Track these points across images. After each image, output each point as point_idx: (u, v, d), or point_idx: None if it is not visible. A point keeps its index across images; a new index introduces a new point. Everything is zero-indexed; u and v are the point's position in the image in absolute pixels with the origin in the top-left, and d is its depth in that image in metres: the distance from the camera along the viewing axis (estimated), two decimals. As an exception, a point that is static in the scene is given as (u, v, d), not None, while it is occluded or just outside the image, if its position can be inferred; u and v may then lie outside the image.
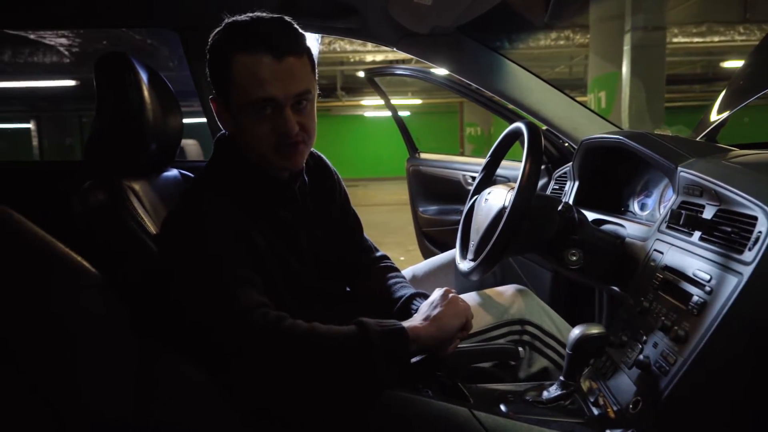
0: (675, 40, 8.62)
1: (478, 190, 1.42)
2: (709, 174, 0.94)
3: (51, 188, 1.37)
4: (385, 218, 8.08)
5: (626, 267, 1.10)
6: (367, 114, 16.68)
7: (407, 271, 1.66)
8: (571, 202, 1.46)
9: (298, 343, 0.87)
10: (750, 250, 0.77)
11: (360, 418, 0.91)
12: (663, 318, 0.89)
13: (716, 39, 8.66)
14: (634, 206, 1.36)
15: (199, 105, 1.71)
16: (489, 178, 1.45)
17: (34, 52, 8.40)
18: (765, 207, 0.78)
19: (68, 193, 1.04)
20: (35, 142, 13.80)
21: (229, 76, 0.97)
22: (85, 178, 1.06)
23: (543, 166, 1.92)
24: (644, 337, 0.91)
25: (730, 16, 8.49)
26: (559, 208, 1.14)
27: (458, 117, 16.34)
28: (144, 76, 1.10)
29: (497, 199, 1.23)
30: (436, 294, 1.04)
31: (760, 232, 0.77)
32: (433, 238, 2.57)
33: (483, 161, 1.46)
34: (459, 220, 1.45)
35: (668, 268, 0.95)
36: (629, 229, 1.17)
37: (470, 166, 2.43)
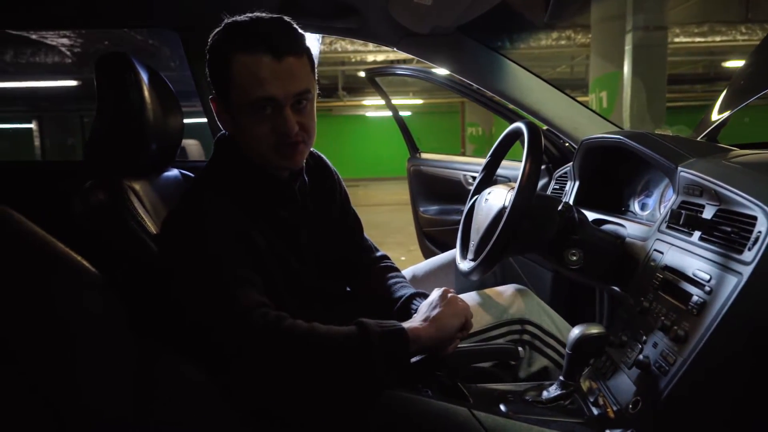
0: (677, 39, 8.61)
1: (479, 190, 1.42)
2: (709, 174, 0.94)
3: (51, 188, 1.37)
4: (386, 218, 8.08)
5: (626, 267, 1.10)
6: (369, 114, 16.68)
7: (407, 271, 1.66)
8: (571, 202, 1.46)
9: (298, 343, 0.87)
10: (750, 250, 0.77)
11: (360, 417, 0.91)
12: (663, 318, 0.89)
13: (718, 39, 8.65)
14: (635, 206, 1.36)
15: (200, 105, 1.71)
16: (489, 178, 1.45)
17: (36, 52, 8.42)
18: (765, 207, 0.78)
19: (69, 193, 1.04)
20: (37, 142, 13.82)
21: (228, 76, 0.97)
22: (86, 177, 1.06)
23: (543, 166, 1.92)
24: (644, 337, 0.91)
25: (731, 15, 8.48)
26: (559, 207, 1.14)
27: (459, 117, 16.34)
28: (144, 76, 1.11)
29: (497, 199, 1.23)
30: (435, 294, 1.04)
31: (759, 232, 0.77)
32: (433, 238, 2.57)
33: (483, 161, 1.46)
34: (459, 220, 1.45)
35: (668, 268, 0.95)
36: (629, 229, 1.16)
37: (471, 166, 2.43)
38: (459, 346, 1.03)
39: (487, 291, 1.34)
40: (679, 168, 1.03)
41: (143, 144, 1.09)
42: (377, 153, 16.82)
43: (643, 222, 1.19)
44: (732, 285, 0.77)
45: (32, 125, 13.90)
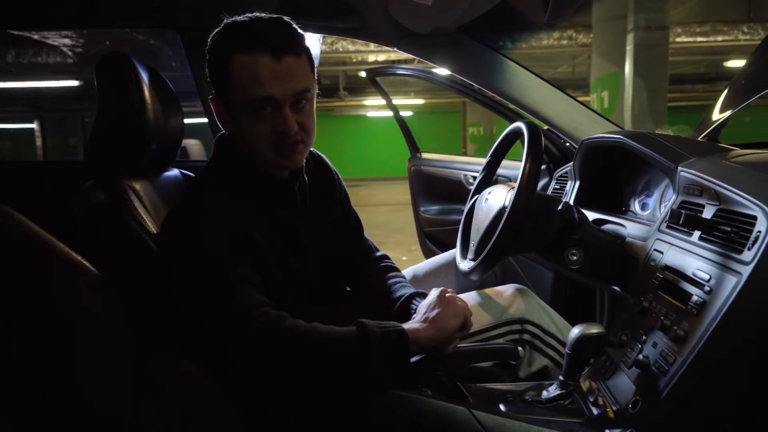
0: (678, 39, 8.61)
1: (479, 189, 1.42)
2: (709, 173, 0.94)
3: (52, 187, 1.37)
4: (388, 218, 8.08)
5: (626, 267, 1.10)
6: (370, 114, 16.69)
7: (408, 271, 1.66)
8: (572, 201, 1.46)
9: (298, 342, 0.87)
10: (749, 249, 0.77)
11: (359, 417, 0.91)
12: (662, 318, 0.89)
13: (720, 38, 8.65)
14: (635, 206, 1.36)
15: (201, 105, 1.71)
16: (489, 178, 1.45)
17: (37, 52, 8.44)
18: (764, 206, 0.78)
19: (69, 193, 1.04)
20: (39, 142, 13.85)
21: (228, 76, 0.97)
22: (86, 177, 1.07)
23: (544, 166, 1.92)
24: (644, 337, 0.91)
25: (733, 15, 8.47)
26: (560, 207, 1.14)
27: (461, 117, 16.33)
28: (145, 77, 1.11)
29: (497, 198, 1.23)
30: (433, 295, 1.04)
31: (759, 231, 0.77)
32: (434, 238, 2.57)
33: (484, 161, 1.46)
34: (460, 220, 1.45)
35: (668, 268, 0.95)
36: (630, 228, 1.16)
37: (471, 165, 2.43)
38: (459, 345, 1.03)
39: (487, 291, 1.34)
40: (679, 168, 1.03)
41: (144, 144, 1.09)
42: (378, 153, 16.83)
43: (644, 222, 1.19)
44: (731, 285, 0.77)
45: (34, 125, 13.93)
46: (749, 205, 0.81)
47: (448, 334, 0.98)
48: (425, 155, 2.67)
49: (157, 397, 0.88)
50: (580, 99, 1.79)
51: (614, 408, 0.90)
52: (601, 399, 0.94)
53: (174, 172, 1.32)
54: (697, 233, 0.91)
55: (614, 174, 1.43)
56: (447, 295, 1.02)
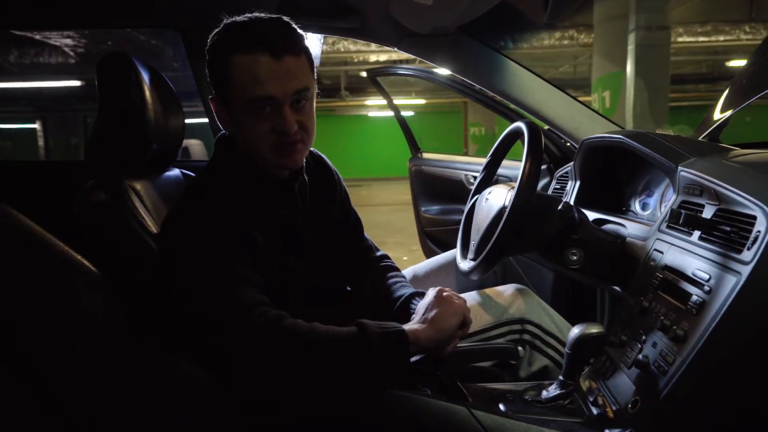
0: (680, 39, 8.60)
1: (479, 189, 1.42)
2: (709, 173, 0.93)
3: (53, 187, 1.38)
4: (389, 218, 8.09)
5: (627, 267, 1.10)
6: (371, 114, 16.70)
7: (408, 271, 1.66)
8: (572, 201, 1.46)
9: (298, 342, 0.87)
10: (749, 249, 0.77)
11: (359, 417, 0.91)
12: (662, 318, 0.89)
13: (721, 38, 8.63)
14: (636, 206, 1.36)
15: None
16: (490, 178, 1.45)
17: (39, 52, 8.46)
18: (764, 206, 0.78)
19: (70, 192, 1.04)
20: (41, 142, 13.88)
21: (227, 76, 0.97)
22: (87, 177, 1.07)
23: (544, 166, 1.92)
24: (643, 337, 0.91)
25: (735, 15, 8.46)
26: (560, 207, 1.14)
27: (462, 117, 16.33)
28: (146, 77, 1.11)
29: (497, 198, 1.23)
30: (430, 295, 1.03)
31: (758, 231, 0.77)
32: (435, 238, 2.57)
33: (484, 161, 1.46)
34: (461, 220, 1.45)
35: (668, 268, 0.95)
36: (630, 228, 1.16)
37: (472, 165, 2.43)
38: (459, 345, 1.03)
39: (488, 291, 1.34)
40: (679, 167, 1.03)
41: (144, 144, 1.09)
42: (380, 153, 16.83)
43: (644, 222, 1.19)
44: (731, 285, 0.77)
45: (36, 125, 13.96)
46: (749, 205, 0.81)
47: (447, 333, 0.97)
48: (426, 155, 2.67)
49: (157, 397, 0.88)
50: (581, 99, 1.79)
51: (614, 408, 0.90)
52: (601, 399, 0.94)
53: (175, 172, 1.32)
54: (697, 233, 0.91)
55: (615, 174, 1.43)
56: (444, 294, 1.02)
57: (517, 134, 1.27)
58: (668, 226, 1.01)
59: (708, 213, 0.91)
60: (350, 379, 0.89)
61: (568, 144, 1.83)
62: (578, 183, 1.48)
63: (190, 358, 0.92)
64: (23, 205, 0.81)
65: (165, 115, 1.15)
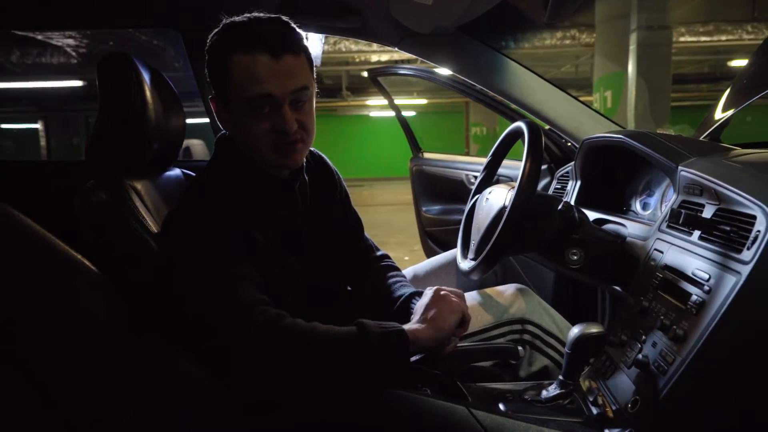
0: (682, 39, 8.58)
1: (480, 189, 1.42)
2: (709, 173, 0.93)
3: (53, 187, 1.38)
4: (390, 218, 8.09)
5: (627, 266, 1.10)
6: (373, 114, 16.70)
7: (408, 271, 1.66)
8: (573, 201, 1.46)
9: (297, 342, 0.87)
10: (748, 249, 0.77)
11: (358, 416, 0.91)
12: (662, 317, 0.89)
13: (724, 38, 8.62)
14: (636, 206, 1.36)
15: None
16: (490, 178, 1.45)
17: (41, 53, 8.48)
18: (763, 206, 0.78)
19: (71, 192, 1.05)
20: (43, 142, 13.91)
21: (227, 76, 0.97)
22: (88, 177, 1.07)
23: (545, 166, 1.92)
24: (643, 337, 0.91)
25: (737, 14, 8.45)
26: (560, 207, 1.14)
27: (464, 117, 16.33)
28: (146, 76, 1.11)
29: (498, 198, 1.23)
30: (428, 294, 1.03)
31: (758, 231, 0.77)
32: (436, 238, 2.57)
33: (485, 161, 1.46)
34: (461, 220, 1.45)
35: (668, 268, 0.95)
36: (630, 228, 1.16)
37: (473, 165, 2.43)
38: (459, 345, 1.03)
39: (488, 290, 1.34)
40: (680, 167, 1.02)
41: (145, 143, 1.10)
42: (381, 153, 16.84)
43: (644, 221, 1.19)
44: (731, 284, 0.77)
45: (38, 125, 13.99)
46: (749, 205, 0.81)
47: (447, 332, 0.97)
48: (427, 155, 2.67)
49: (158, 397, 0.88)
50: (583, 99, 1.79)
51: (613, 407, 0.90)
52: (601, 398, 0.94)
53: (175, 171, 1.32)
54: (696, 233, 0.91)
55: (615, 174, 1.43)
56: (442, 293, 1.02)
57: (517, 134, 1.27)
58: (668, 226, 1.01)
59: (708, 213, 0.91)
60: (350, 379, 0.89)
61: (569, 144, 1.82)
62: (579, 183, 1.48)
63: (191, 358, 0.92)
64: (24, 205, 0.81)
65: (166, 115, 1.15)
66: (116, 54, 1.09)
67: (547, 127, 1.77)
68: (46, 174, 1.88)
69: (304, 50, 1.01)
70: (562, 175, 1.69)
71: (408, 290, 1.16)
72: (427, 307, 1.00)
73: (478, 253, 1.25)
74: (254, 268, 0.96)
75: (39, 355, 0.74)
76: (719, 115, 1.43)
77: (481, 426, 0.87)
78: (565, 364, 0.97)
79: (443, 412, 0.89)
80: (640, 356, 0.87)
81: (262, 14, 0.99)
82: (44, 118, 13.92)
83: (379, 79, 2.64)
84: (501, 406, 0.96)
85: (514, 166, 1.95)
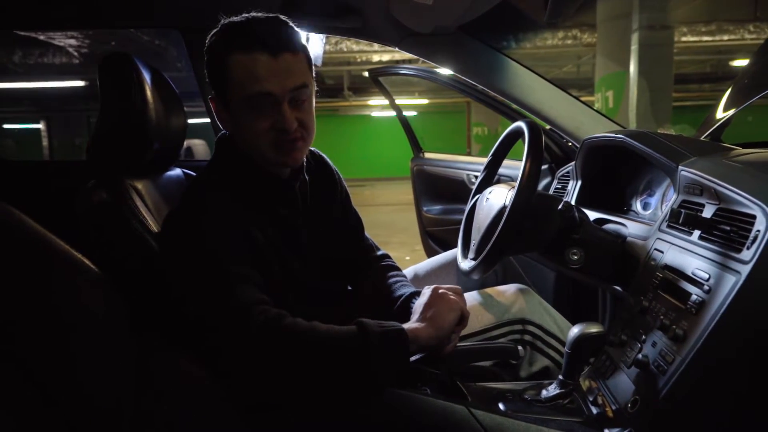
0: (684, 38, 8.57)
1: (480, 189, 1.42)
2: (709, 173, 0.93)
3: (54, 186, 1.38)
4: (392, 218, 8.09)
5: (627, 266, 1.10)
6: (374, 114, 16.70)
7: (409, 270, 1.66)
8: (573, 201, 1.46)
9: (298, 341, 0.87)
10: (748, 249, 0.77)
11: (358, 416, 0.91)
12: (662, 317, 0.89)
13: (726, 38, 8.60)
14: (637, 205, 1.35)
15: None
16: (491, 178, 1.45)
17: (44, 53, 8.49)
18: (763, 206, 0.78)
19: (71, 192, 1.05)
20: (45, 142, 13.93)
21: (226, 76, 0.97)
22: (89, 176, 1.07)
23: (546, 166, 1.92)
24: (643, 337, 0.91)
25: (739, 14, 8.43)
26: (560, 207, 1.14)
27: (465, 117, 16.32)
28: (147, 77, 1.11)
29: (498, 198, 1.23)
30: (426, 293, 1.03)
31: (758, 230, 0.77)
32: (437, 238, 2.57)
33: (486, 160, 1.46)
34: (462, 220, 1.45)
35: (668, 267, 0.95)
36: (631, 228, 1.16)
37: (474, 165, 2.43)
38: (459, 345, 1.03)
39: (489, 290, 1.34)
40: (680, 167, 1.02)
41: (146, 143, 1.10)
42: (383, 153, 16.83)
43: (645, 221, 1.19)
44: (730, 284, 0.77)
45: (40, 125, 14.01)
46: (748, 204, 0.81)
47: (446, 330, 0.97)
48: (428, 155, 2.67)
49: (158, 397, 0.88)
50: (584, 99, 1.79)
51: (613, 407, 0.90)
52: (601, 398, 0.94)
53: (176, 171, 1.33)
54: (696, 232, 0.91)
55: (616, 173, 1.43)
56: (440, 291, 1.02)
57: (517, 134, 1.27)
58: (668, 226, 1.01)
59: (708, 212, 0.91)
60: (350, 378, 0.89)
61: (570, 143, 1.82)
62: (579, 182, 1.48)
63: (191, 358, 0.92)
64: (25, 205, 0.81)
65: (166, 115, 1.16)
66: (117, 54, 1.10)
67: (547, 126, 1.77)
68: (47, 174, 1.88)
69: (303, 48, 1.01)
70: (562, 175, 1.69)
71: (408, 290, 1.16)
72: (426, 306, 1.00)
73: (478, 252, 1.25)
74: (255, 267, 0.96)
75: (40, 355, 0.74)
76: (720, 114, 1.43)
77: (481, 425, 0.87)
78: (565, 363, 0.97)
79: (443, 412, 0.89)
80: (640, 356, 0.87)
81: (259, 14, 0.99)
82: (46, 118, 13.94)
83: (380, 79, 2.64)
84: (501, 406, 0.97)
85: (514, 166, 1.95)
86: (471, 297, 1.30)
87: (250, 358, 0.87)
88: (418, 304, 1.03)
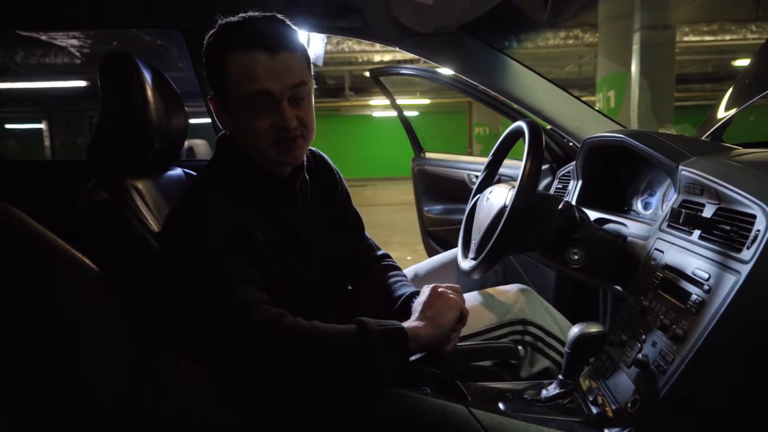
0: (686, 38, 8.56)
1: (480, 189, 1.42)
2: (709, 172, 0.93)
3: (55, 186, 1.38)
4: (393, 218, 8.07)
5: (628, 266, 1.10)
6: (376, 114, 16.70)
7: (409, 270, 1.66)
8: (574, 201, 1.46)
9: (298, 340, 0.87)
10: (748, 248, 0.77)
11: (358, 415, 0.91)
12: (662, 317, 0.88)
13: (728, 37, 8.59)
14: (638, 205, 1.35)
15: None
16: (491, 177, 1.45)
17: (46, 53, 8.51)
18: (763, 205, 0.78)
19: (72, 191, 1.05)
20: (47, 142, 13.96)
21: (225, 76, 0.97)
22: (90, 176, 1.08)
23: (547, 165, 1.92)
24: (643, 336, 0.91)
25: (741, 14, 8.42)
26: (560, 206, 1.14)
27: (467, 117, 16.31)
28: (148, 76, 1.12)
29: (498, 198, 1.23)
30: (426, 292, 1.03)
31: (758, 230, 0.77)
32: (438, 238, 2.57)
33: (486, 160, 1.46)
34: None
35: (668, 267, 0.94)
36: (631, 228, 1.16)
37: (475, 165, 2.43)
38: (459, 344, 1.03)
39: (490, 290, 1.34)
40: (680, 166, 1.02)
41: (146, 143, 1.10)
42: (384, 153, 16.83)
43: (645, 221, 1.19)
44: (730, 284, 0.77)
45: (42, 125, 14.04)
46: (748, 204, 0.81)
47: (446, 329, 0.97)
48: (429, 155, 2.67)
49: (158, 397, 0.88)
50: (586, 99, 1.79)
51: (613, 407, 0.89)
52: (601, 398, 0.93)
53: (177, 171, 1.33)
54: (697, 232, 0.91)
55: (617, 173, 1.42)
56: (439, 290, 1.02)
57: (518, 133, 1.27)
58: (669, 226, 1.01)
59: (708, 212, 0.91)
60: (350, 377, 0.89)
61: (571, 143, 1.82)
62: (580, 182, 1.48)
63: (191, 358, 0.93)
64: (26, 204, 0.82)
65: (167, 115, 1.16)
66: (118, 54, 1.10)
67: (548, 126, 1.77)
68: (48, 173, 1.89)
69: (300, 47, 1.01)
70: (563, 175, 1.69)
71: (408, 290, 1.16)
72: (425, 305, 1.00)
73: (478, 252, 1.25)
74: (255, 267, 0.96)
75: (40, 354, 0.74)
76: (721, 114, 1.42)
77: (481, 425, 0.87)
78: (565, 363, 0.97)
79: (443, 411, 0.89)
80: (639, 356, 0.87)
81: (257, 13, 1.00)
82: (48, 118, 13.97)
83: (381, 79, 2.64)
84: (501, 406, 0.96)
85: (515, 166, 1.95)
86: (472, 297, 1.30)
87: (250, 358, 0.87)
88: (418, 303, 1.02)
